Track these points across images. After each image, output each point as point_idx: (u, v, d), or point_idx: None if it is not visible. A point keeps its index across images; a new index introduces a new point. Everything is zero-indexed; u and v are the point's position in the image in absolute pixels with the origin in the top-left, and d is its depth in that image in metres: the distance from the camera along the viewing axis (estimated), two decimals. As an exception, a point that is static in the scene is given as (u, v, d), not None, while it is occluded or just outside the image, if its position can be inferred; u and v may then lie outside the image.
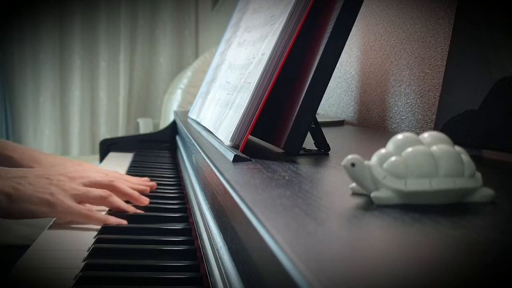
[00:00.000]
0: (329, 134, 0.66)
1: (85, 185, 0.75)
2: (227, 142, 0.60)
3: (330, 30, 0.55)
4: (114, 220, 0.71)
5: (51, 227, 0.72)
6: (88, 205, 0.75)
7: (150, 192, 0.87)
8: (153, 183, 0.91)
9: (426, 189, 0.33)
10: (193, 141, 0.79)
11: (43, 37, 3.43)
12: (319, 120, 0.62)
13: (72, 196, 0.71)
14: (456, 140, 0.36)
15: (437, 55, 0.88)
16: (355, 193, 0.37)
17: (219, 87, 0.83)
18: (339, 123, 1.22)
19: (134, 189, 0.82)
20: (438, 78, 0.86)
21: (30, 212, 0.68)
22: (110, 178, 0.78)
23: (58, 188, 0.71)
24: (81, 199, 0.73)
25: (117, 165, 1.21)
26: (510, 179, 0.48)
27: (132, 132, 3.40)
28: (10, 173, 0.70)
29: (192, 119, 1.10)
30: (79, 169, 0.82)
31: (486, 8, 0.60)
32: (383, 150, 0.36)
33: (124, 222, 0.72)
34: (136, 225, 0.72)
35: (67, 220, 0.72)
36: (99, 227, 0.71)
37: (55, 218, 0.75)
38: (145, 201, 0.80)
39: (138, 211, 0.77)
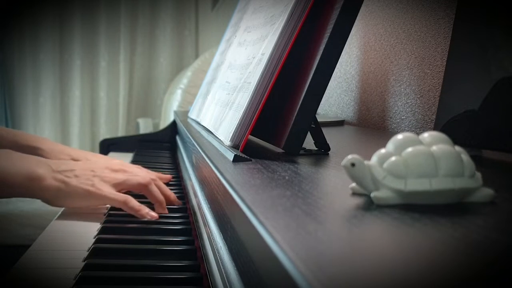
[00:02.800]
0: (329, 134, 0.66)
1: (127, 176, 0.80)
2: (227, 142, 0.60)
3: (330, 30, 0.55)
4: (146, 212, 0.74)
5: (51, 227, 0.72)
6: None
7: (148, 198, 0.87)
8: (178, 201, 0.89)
9: (426, 189, 0.33)
10: (193, 141, 0.79)
11: (43, 37, 3.43)
12: (319, 120, 0.62)
13: (113, 185, 0.77)
14: (456, 140, 0.36)
15: (437, 55, 0.88)
16: (355, 193, 0.37)
17: (219, 87, 0.83)
18: (339, 123, 1.22)
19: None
20: (438, 78, 0.86)
21: (73, 202, 0.75)
22: (148, 180, 0.80)
23: (100, 179, 0.76)
24: (122, 187, 0.78)
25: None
26: (510, 179, 0.48)
27: (132, 132, 3.40)
28: (60, 167, 0.75)
29: (192, 119, 1.10)
30: (123, 163, 0.88)
31: (486, 8, 0.60)
32: (383, 150, 0.36)
33: (155, 215, 0.74)
34: (136, 225, 0.72)
35: (103, 205, 0.77)
36: (99, 227, 0.71)
37: (56, 216, 0.77)
38: (166, 210, 0.79)
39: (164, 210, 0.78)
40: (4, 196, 0.72)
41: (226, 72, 0.81)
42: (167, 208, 0.79)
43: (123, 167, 0.82)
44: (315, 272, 0.21)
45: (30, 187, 0.70)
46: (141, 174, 0.81)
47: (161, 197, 0.79)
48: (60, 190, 0.73)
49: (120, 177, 0.79)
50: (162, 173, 0.95)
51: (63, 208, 0.83)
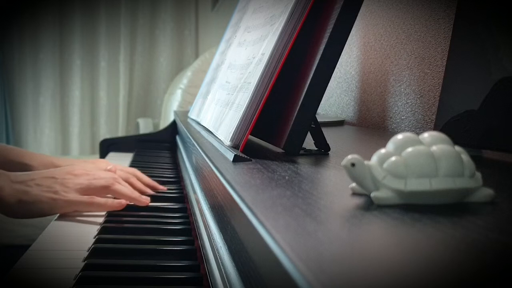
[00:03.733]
0: (329, 134, 0.66)
1: (90, 180, 0.79)
2: (227, 142, 0.60)
3: (330, 30, 0.55)
4: (115, 203, 0.75)
5: (51, 227, 0.72)
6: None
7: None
8: (163, 187, 0.93)
9: (426, 189, 0.33)
10: (193, 141, 0.79)
11: (43, 37, 3.42)
12: (319, 120, 0.62)
13: (76, 190, 0.76)
14: (456, 140, 0.36)
15: (437, 55, 0.88)
16: (355, 193, 0.37)
17: (219, 87, 0.83)
18: (339, 123, 1.22)
19: (138, 187, 0.85)
20: (438, 78, 0.86)
21: (38, 211, 0.73)
22: (110, 181, 0.80)
23: (62, 186, 0.75)
24: (85, 192, 0.77)
25: (117, 165, 1.21)
26: (510, 179, 0.48)
27: (132, 132, 3.39)
28: (19, 177, 0.74)
29: (192, 119, 1.10)
30: (86, 166, 0.87)
31: (486, 8, 0.60)
32: (383, 150, 0.36)
33: (124, 202, 0.75)
34: (136, 225, 0.72)
35: (71, 211, 0.76)
36: (99, 227, 0.71)
37: (56, 216, 0.76)
38: (146, 200, 0.81)
39: (143, 198, 0.80)
40: None
41: (226, 72, 0.81)
42: (164, 208, 0.79)
43: (85, 170, 0.81)
44: (315, 272, 0.21)
45: None
46: (104, 176, 0.80)
47: (129, 193, 0.79)
48: (21, 201, 0.71)
49: (82, 181, 0.77)
50: (158, 183, 0.94)
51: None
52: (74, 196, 0.74)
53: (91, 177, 0.79)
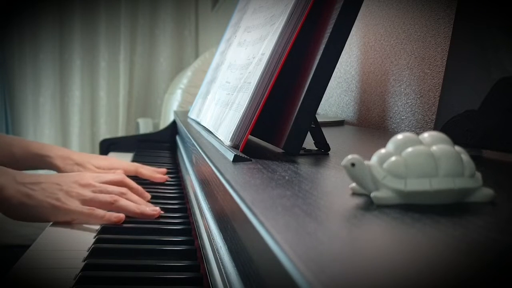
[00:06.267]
0: (329, 134, 0.66)
1: (95, 192, 0.77)
2: (227, 142, 0.60)
3: (330, 30, 0.55)
4: (112, 217, 0.73)
5: (51, 227, 0.72)
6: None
7: (150, 192, 0.88)
8: (165, 177, 1.01)
9: (426, 189, 0.33)
10: (193, 141, 0.79)
11: (43, 37, 3.42)
12: (319, 120, 0.62)
13: (79, 201, 0.74)
14: (456, 140, 0.36)
15: (437, 55, 0.88)
16: (355, 193, 0.37)
17: (219, 87, 0.83)
18: (339, 123, 1.22)
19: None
20: (438, 78, 0.86)
21: (38, 216, 0.72)
22: (115, 198, 0.77)
23: (65, 194, 0.74)
24: (89, 204, 0.75)
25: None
26: (510, 179, 0.48)
27: (132, 132, 3.39)
28: (25, 178, 0.74)
29: (192, 119, 1.10)
30: (100, 163, 0.92)
31: (486, 8, 0.60)
32: (383, 150, 0.36)
33: (122, 216, 0.73)
34: (136, 225, 0.72)
35: (69, 220, 0.74)
36: (98, 227, 0.71)
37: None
38: (155, 212, 0.78)
39: (151, 211, 0.77)
40: None
41: (226, 72, 0.81)
42: (164, 208, 0.79)
43: (92, 181, 0.79)
44: (315, 272, 0.21)
45: None
46: (111, 190, 0.79)
47: (134, 209, 0.76)
48: (22, 204, 0.71)
49: (87, 194, 0.76)
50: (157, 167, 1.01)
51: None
52: (75, 205, 0.73)
53: (97, 190, 0.78)
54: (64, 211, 0.72)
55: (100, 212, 0.73)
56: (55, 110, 3.48)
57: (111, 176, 0.84)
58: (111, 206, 0.76)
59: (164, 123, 2.50)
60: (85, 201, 0.75)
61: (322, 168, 0.52)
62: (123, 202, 0.76)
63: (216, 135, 0.69)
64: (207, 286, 0.52)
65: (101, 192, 0.78)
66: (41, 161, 0.99)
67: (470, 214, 0.32)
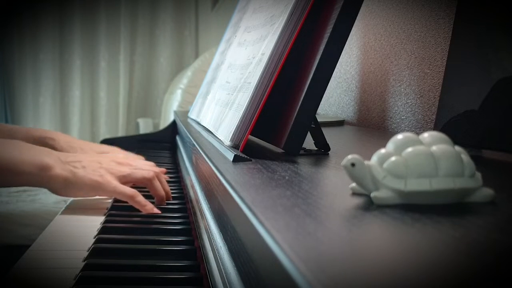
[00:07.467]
0: (329, 134, 0.66)
1: (131, 169, 0.83)
2: (227, 142, 0.60)
3: (330, 30, 0.55)
4: (151, 207, 0.77)
5: (51, 227, 0.72)
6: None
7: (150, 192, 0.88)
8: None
9: (426, 189, 0.33)
10: (193, 141, 0.79)
11: (43, 37, 3.42)
12: (319, 120, 0.62)
13: (118, 177, 0.79)
14: (456, 140, 0.36)
15: (437, 55, 0.88)
16: (355, 193, 0.37)
17: (219, 87, 0.83)
18: (339, 123, 1.22)
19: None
20: (438, 78, 0.86)
21: (82, 191, 0.77)
22: (152, 174, 0.82)
23: (106, 171, 0.79)
24: (126, 180, 0.80)
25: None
26: (510, 179, 0.48)
27: (132, 132, 3.39)
28: (68, 157, 0.78)
29: (192, 119, 1.10)
30: (128, 156, 0.96)
31: (486, 8, 0.60)
32: (383, 150, 0.36)
33: (158, 212, 0.77)
34: (136, 225, 0.72)
35: (109, 196, 0.81)
36: (99, 227, 0.71)
37: (56, 216, 0.77)
38: (163, 204, 0.83)
39: (164, 202, 0.82)
40: (13, 185, 0.73)
41: (226, 72, 0.81)
42: (164, 208, 0.80)
43: (128, 160, 0.85)
44: (316, 272, 0.21)
45: (39, 176, 0.72)
46: (145, 168, 0.84)
47: (162, 192, 0.82)
48: (67, 180, 0.74)
49: (125, 170, 0.81)
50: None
51: (63, 208, 0.83)
52: (117, 184, 0.77)
53: (133, 167, 0.83)
54: (106, 188, 0.77)
55: (142, 200, 0.77)
56: (55, 110, 3.47)
57: (142, 160, 0.90)
58: (146, 181, 0.81)
59: (164, 123, 2.50)
60: (123, 177, 0.80)
61: (322, 168, 0.52)
62: (156, 182, 0.82)
63: (216, 135, 0.69)
64: (207, 286, 0.52)
65: (136, 169, 0.82)
66: (45, 144, 1.01)
67: (470, 214, 0.32)
